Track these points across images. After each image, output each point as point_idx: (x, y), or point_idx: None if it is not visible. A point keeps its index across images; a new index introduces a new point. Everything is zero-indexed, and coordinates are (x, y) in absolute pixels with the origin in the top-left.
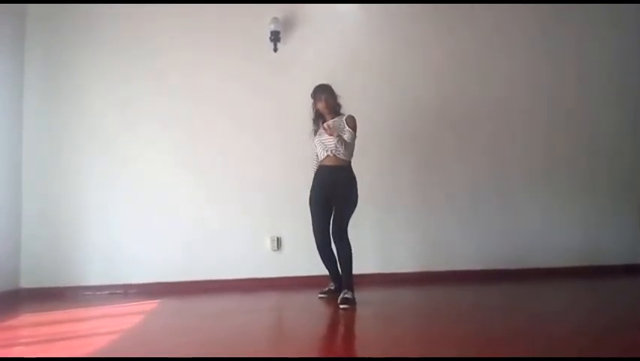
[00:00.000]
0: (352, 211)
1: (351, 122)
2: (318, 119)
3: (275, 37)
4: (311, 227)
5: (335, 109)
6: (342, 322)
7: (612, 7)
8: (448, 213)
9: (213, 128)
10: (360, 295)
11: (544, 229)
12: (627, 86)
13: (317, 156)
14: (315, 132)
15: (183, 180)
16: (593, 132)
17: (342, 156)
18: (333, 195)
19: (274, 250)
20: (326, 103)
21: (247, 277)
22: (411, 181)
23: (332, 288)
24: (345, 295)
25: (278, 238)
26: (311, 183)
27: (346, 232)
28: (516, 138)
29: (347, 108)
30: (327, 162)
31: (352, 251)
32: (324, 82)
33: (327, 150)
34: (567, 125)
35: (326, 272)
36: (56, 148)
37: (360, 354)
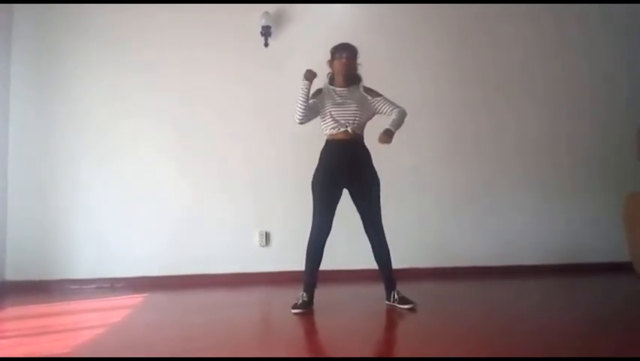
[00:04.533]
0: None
1: (375, 92)
2: (330, 81)
3: (266, 32)
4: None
5: (352, 75)
6: (330, 318)
7: (602, 5)
8: (440, 211)
9: (202, 122)
10: (352, 292)
11: (530, 226)
12: (613, 86)
13: (324, 127)
14: (313, 96)
15: (171, 175)
16: (580, 132)
17: (358, 130)
18: (354, 180)
19: (262, 246)
20: (348, 62)
21: (235, 271)
22: (403, 180)
23: (306, 299)
24: (402, 295)
25: (266, 233)
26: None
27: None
28: (505, 137)
29: None
30: (342, 136)
31: None
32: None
33: (342, 126)
34: (556, 125)
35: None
36: (43, 141)
37: (351, 353)
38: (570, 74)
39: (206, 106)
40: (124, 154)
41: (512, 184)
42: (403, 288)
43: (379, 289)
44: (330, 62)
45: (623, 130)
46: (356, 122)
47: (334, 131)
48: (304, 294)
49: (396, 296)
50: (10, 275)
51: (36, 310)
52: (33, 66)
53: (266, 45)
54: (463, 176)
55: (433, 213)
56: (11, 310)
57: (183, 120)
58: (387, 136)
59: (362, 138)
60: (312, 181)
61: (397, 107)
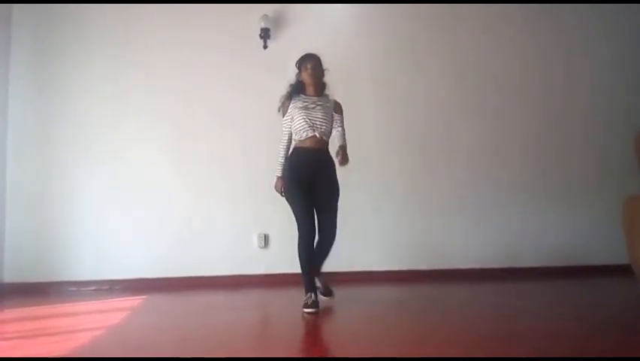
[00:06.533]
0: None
1: (340, 110)
2: (299, 90)
3: (265, 34)
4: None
5: (321, 83)
6: (328, 320)
7: (600, 8)
8: (437, 213)
9: (201, 124)
10: (349, 294)
11: (529, 228)
12: (614, 87)
13: (294, 132)
14: (286, 105)
15: (170, 176)
16: (580, 134)
17: (326, 138)
18: (318, 185)
19: (261, 248)
20: (313, 72)
21: (234, 273)
22: (401, 181)
23: (314, 298)
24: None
25: (265, 235)
26: (284, 168)
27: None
28: (505, 139)
29: None
30: (311, 144)
31: None
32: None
33: (315, 130)
34: (556, 127)
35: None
36: (42, 141)
37: (349, 353)
38: (570, 76)
39: (206, 107)
40: (123, 155)
41: (511, 186)
42: (402, 289)
43: (377, 291)
44: (299, 75)
45: (624, 132)
46: (323, 127)
47: (304, 136)
48: (311, 294)
49: (318, 284)
50: (9, 277)
51: (34, 312)
52: (32, 66)
53: (265, 47)
54: (461, 178)
55: (431, 216)
56: (9, 313)
57: (182, 123)
58: (344, 159)
59: (327, 145)
60: (287, 191)
61: (344, 129)
